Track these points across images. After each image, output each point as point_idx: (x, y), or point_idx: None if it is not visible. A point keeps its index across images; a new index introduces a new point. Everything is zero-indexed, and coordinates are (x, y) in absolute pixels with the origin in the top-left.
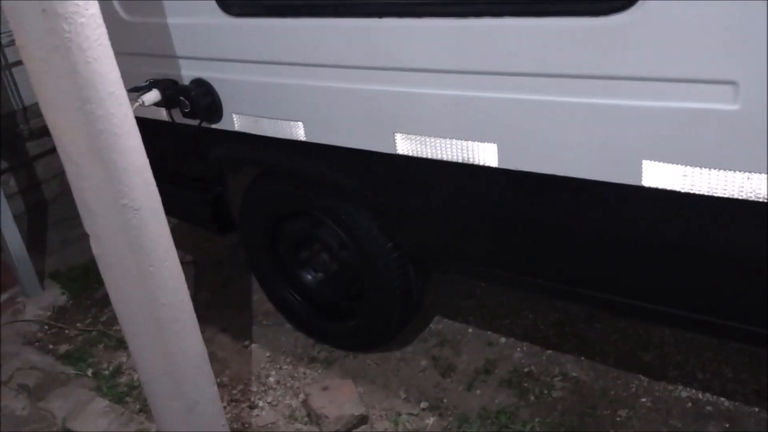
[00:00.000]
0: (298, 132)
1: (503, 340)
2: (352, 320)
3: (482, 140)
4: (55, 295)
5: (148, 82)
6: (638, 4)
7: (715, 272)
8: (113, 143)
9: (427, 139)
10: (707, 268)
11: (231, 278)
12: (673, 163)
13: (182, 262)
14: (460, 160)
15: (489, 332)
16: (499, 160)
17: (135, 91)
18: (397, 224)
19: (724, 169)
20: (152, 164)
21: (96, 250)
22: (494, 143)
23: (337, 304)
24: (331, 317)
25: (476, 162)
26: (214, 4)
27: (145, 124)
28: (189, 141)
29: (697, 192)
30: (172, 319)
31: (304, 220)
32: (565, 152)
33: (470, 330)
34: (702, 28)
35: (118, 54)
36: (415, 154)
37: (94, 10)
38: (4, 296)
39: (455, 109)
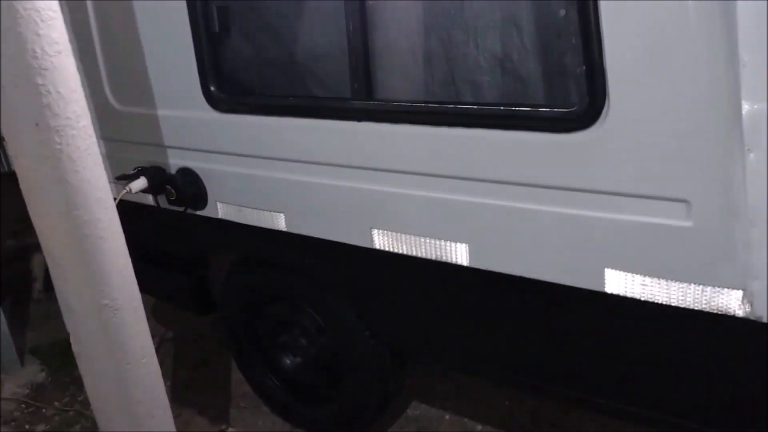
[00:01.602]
0: (280, 222)
1: (480, 427)
2: (329, 406)
3: (454, 240)
4: (34, 372)
5: (136, 170)
6: (597, 123)
7: (677, 377)
8: (97, 246)
9: (403, 236)
10: (670, 373)
11: (211, 356)
12: (633, 273)
13: (164, 339)
14: (433, 258)
15: (466, 419)
16: (470, 260)
17: (123, 178)
18: (374, 314)
19: (681, 281)
20: (137, 245)
21: (75, 348)
22: (465, 243)
23: (315, 389)
24: (309, 402)
25: (449, 260)
26: (203, 100)
27: (131, 207)
28: (174, 226)
29: (656, 301)
30: (147, 415)
31: (283, 306)
32: (532, 256)
33: (447, 417)
34: (656, 148)
35: (109, 141)
36: (392, 250)
37: (86, 121)
38: None
39: (429, 209)
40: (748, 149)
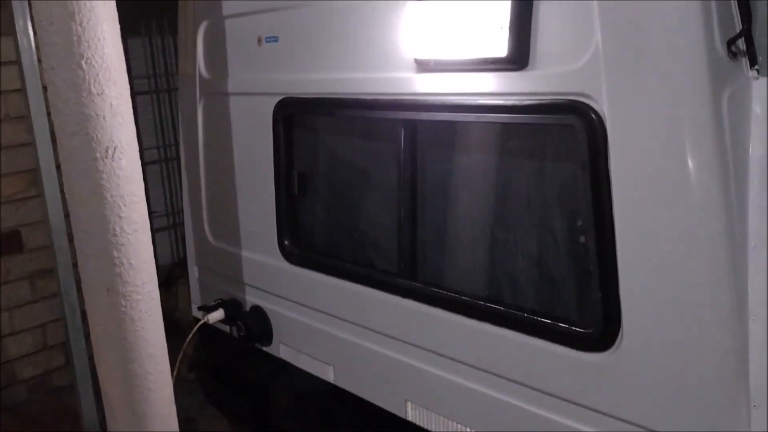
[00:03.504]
0: (329, 374)
1: None
2: None
3: (479, 430)
4: None
5: (216, 302)
6: (611, 350)
7: None
8: (145, 396)
9: (433, 415)
10: None
11: None
12: None
13: None
14: None
15: None
16: None
17: (204, 309)
18: None
19: None
20: (215, 365)
21: None
22: None
23: None
24: None
25: None
26: (278, 250)
27: (214, 330)
28: (244, 355)
29: None
30: None
31: None
32: None
33: None
34: (666, 387)
35: (202, 268)
36: (424, 426)
37: (151, 287)
38: None
39: (458, 394)
40: (755, 405)
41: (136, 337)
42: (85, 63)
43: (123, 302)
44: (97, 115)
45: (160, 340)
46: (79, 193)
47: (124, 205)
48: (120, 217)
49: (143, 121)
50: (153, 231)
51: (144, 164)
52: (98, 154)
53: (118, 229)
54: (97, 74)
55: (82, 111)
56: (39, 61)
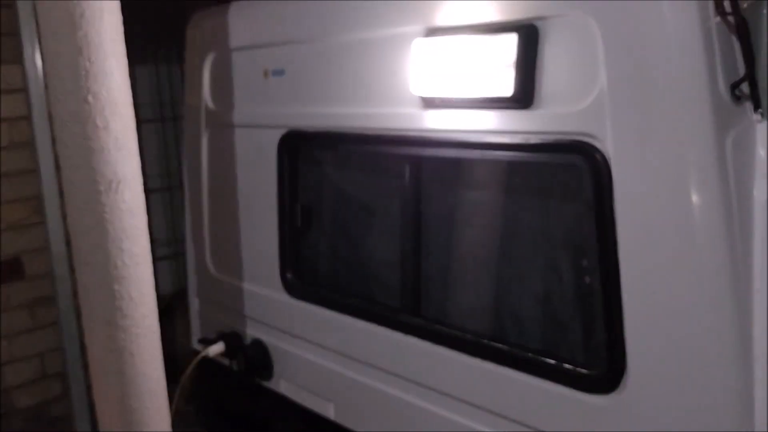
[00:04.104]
0: (329, 411)
1: None
2: None
3: None
4: None
5: (216, 335)
6: (616, 391)
7: None
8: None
9: None
10: None
11: None
12: None
13: None
14: None
15: None
16: None
17: (204, 342)
18: None
19: None
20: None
21: None
22: None
23: None
24: None
25: None
26: (280, 284)
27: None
28: (244, 389)
29: None
30: None
31: None
32: None
33: None
34: (672, 421)
35: (203, 300)
36: None
37: (151, 321)
38: None
39: None
40: None
41: (134, 372)
42: (92, 97)
43: (122, 336)
44: (101, 148)
45: (158, 375)
46: (81, 225)
47: (126, 238)
48: (122, 249)
49: (148, 149)
50: (155, 259)
51: (147, 192)
52: (102, 187)
53: (119, 261)
54: (103, 108)
55: (87, 144)
56: (46, 88)
